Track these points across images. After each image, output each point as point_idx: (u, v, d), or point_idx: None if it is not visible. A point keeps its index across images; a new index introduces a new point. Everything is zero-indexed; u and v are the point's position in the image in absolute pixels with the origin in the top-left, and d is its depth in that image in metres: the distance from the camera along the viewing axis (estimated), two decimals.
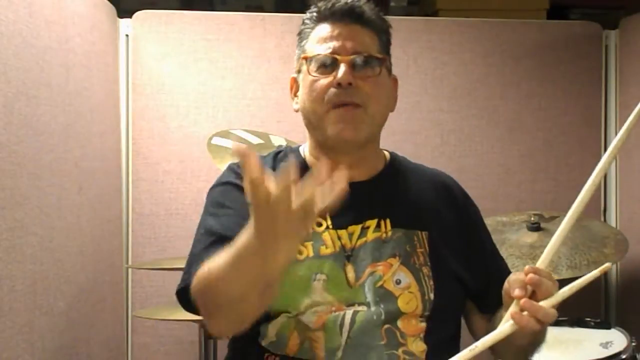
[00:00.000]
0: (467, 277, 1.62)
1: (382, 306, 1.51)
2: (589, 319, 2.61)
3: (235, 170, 1.67)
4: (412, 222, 1.60)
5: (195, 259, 1.50)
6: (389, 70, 1.66)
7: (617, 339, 2.43)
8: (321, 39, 1.59)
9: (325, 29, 1.60)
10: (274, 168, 1.65)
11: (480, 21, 3.22)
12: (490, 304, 1.66)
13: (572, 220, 1.44)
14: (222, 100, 3.08)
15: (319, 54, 1.58)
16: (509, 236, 2.71)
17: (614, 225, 3.11)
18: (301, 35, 1.66)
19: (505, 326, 1.36)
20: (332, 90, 1.54)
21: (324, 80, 1.56)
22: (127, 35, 3.05)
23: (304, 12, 1.67)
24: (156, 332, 3.01)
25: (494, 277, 1.65)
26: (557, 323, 2.61)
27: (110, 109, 2.90)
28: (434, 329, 1.52)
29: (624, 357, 2.30)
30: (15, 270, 1.89)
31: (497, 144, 3.18)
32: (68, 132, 2.31)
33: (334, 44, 1.57)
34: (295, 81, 1.69)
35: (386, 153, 1.74)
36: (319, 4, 1.63)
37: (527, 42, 3.20)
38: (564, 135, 3.20)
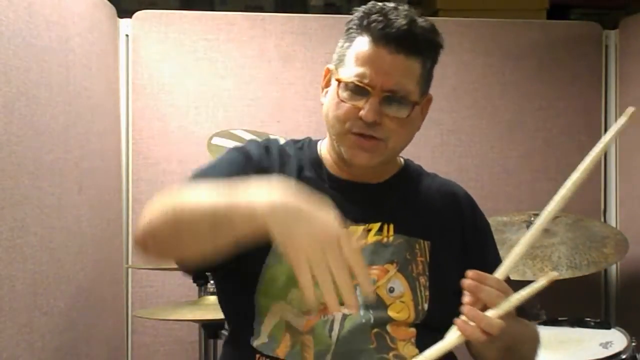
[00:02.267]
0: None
1: (371, 312, 1.48)
2: (589, 319, 2.61)
3: (260, 148, 1.61)
4: (415, 230, 1.57)
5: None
6: (425, 99, 1.61)
7: (617, 339, 2.43)
8: (362, 57, 1.49)
9: (370, 47, 1.49)
10: (294, 152, 1.62)
11: (480, 21, 3.22)
12: None
13: (537, 231, 1.40)
14: (222, 100, 3.08)
15: (351, 82, 1.48)
16: (509, 236, 2.71)
17: (614, 225, 3.12)
18: (348, 34, 1.55)
19: (452, 335, 1.31)
20: (357, 120, 1.48)
21: (350, 107, 1.49)
22: (127, 35, 3.05)
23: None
24: (156, 332, 3.01)
25: None
26: (557, 323, 2.62)
27: (111, 109, 2.90)
28: (425, 334, 1.49)
29: (624, 357, 2.30)
30: (15, 270, 1.89)
31: (497, 144, 3.18)
32: (68, 132, 2.31)
33: (371, 72, 1.47)
34: (328, 73, 1.60)
35: (401, 160, 1.71)
36: (376, 9, 1.51)
37: (527, 42, 3.20)
38: (563, 135, 3.20)
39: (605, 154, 3.18)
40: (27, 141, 1.97)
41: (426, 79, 1.58)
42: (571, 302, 2.99)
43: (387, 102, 1.48)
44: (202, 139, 2.71)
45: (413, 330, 1.49)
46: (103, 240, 2.70)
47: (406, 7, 1.54)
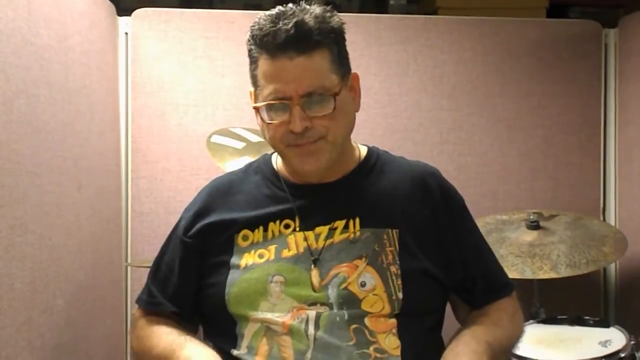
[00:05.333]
0: (441, 274, 1.59)
1: (344, 307, 1.49)
2: (588, 318, 2.61)
3: (191, 208, 1.72)
4: (382, 221, 1.58)
5: (149, 280, 1.74)
6: (347, 79, 1.58)
7: (616, 338, 2.43)
8: (268, 75, 1.51)
9: (270, 62, 1.50)
10: (248, 180, 1.70)
11: (479, 19, 3.22)
12: (474, 299, 1.66)
13: None
14: (221, 98, 3.08)
15: (267, 104, 1.51)
16: (508, 235, 2.72)
17: (613, 224, 3.12)
18: (250, 54, 1.56)
19: None
20: (288, 133, 1.51)
21: (278, 124, 1.52)
22: (126, 33, 3.05)
23: None
24: None
25: (477, 272, 1.65)
26: (556, 321, 2.62)
27: (110, 107, 2.90)
28: (407, 324, 1.51)
29: (622, 355, 2.30)
30: (15, 268, 1.89)
31: (497, 143, 3.18)
32: (67, 131, 2.31)
33: (281, 85, 1.49)
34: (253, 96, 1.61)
35: (363, 150, 1.71)
36: (260, 23, 1.52)
37: (527, 41, 3.20)
38: (563, 133, 3.20)
39: (604, 153, 3.19)
40: (26, 139, 1.97)
41: (340, 63, 1.55)
42: (570, 301, 2.99)
43: (308, 105, 1.49)
44: (202, 137, 2.71)
45: (393, 321, 1.50)
46: (102, 238, 2.70)
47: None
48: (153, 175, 3.06)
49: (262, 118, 1.54)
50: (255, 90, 1.56)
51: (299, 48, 1.47)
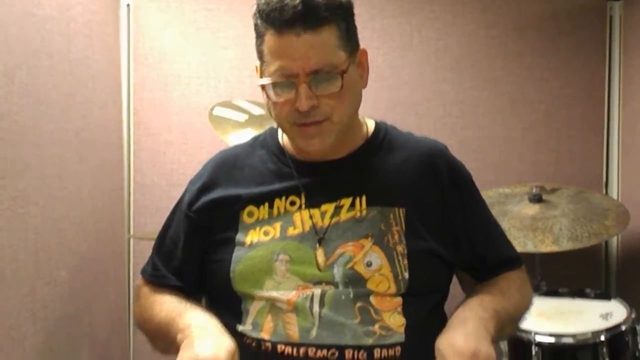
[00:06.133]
0: (448, 253, 1.57)
1: (350, 287, 1.48)
2: (589, 291, 2.62)
3: (201, 176, 1.70)
4: (389, 199, 1.55)
5: (154, 253, 1.71)
6: (356, 54, 1.54)
7: (617, 310, 2.44)
8: (274, 51, 1.46)
9: (277, 38, 1.45)
10: (254, 154, 1.67)
11: None
12: (482, 275, 1.65)
13: None
14: (223, 70, 3.07)
15: (273, 82, 1.47)
16: (510, 208, 2.72)
17: (615, 197, 3.11)
18: (256, 29, 1.51)
19: None
20: (294, 112, 1.48)
21: (284, 102, 1.48)
22: (128, 5, 3.03)
23: None
24: None
25: (485, 251, 1.64)
26: (557, 294, 2.63)
27: (111, 78, 2.89)
28: (412, 302, 1.49)
29: (623, 328, 2.31)
30: (17, 239, 1.89)
31: (499, 116, 3.17)
32: (69, 102, 2.31)
33: (288, 62, 1.45)
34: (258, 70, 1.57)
35: (370, 125, 1.68)
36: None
37: (531, 13, 3.18)
38: (566, 107, 3.19)
39: (607, 126, 3.18)
40: (27, 110, 1.97)
41: (348, 39, 1.51)
42: (571, 274, 3.00)
43: (315, 83, 1.46)
44: (204, 110, 2.70)
45: (399, 299, 1.49)
46: (105, 210, 2.71)
47: None
48: (155, 148, 3.06)
49: (267, 95, 1.50)
50: (262, 65, 1.52)
51: (306, 24, 1.42)
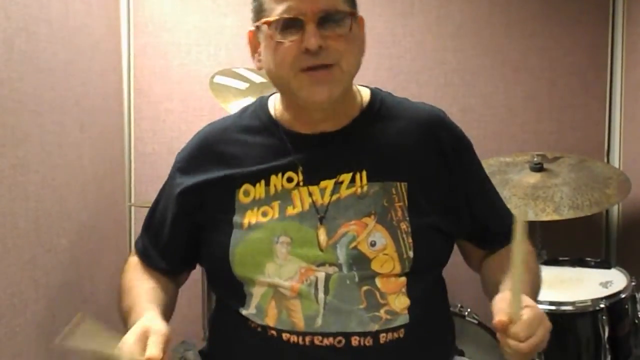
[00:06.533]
0: (451, 226, 1.54)
1: (354, 268, 1.44)
2: (589, 259, 2.63)
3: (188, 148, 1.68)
4: (390, 173, 1.51)
5: (144, 229, 1.72)
6: (357, 14, 1.50)
7: (617, 279, 2.45)
8: None
9: None
10: (244, 128, 1.61)
11: None
12: (488, 242, 1.64)
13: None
14: (224, 38, 3.05)
15: (280, 18, 1.41)
16: (511, 177, 2.72)
17: (617, 166, 3.11)
18: None
19: None
20: (301, 54, 1.41)
21: (290, 44, 1.42)
22: None
23: None
24: None
25: (487, 220, 1.62)
26: (557, 262, 2.64)
27: (111, 46, 2.87)
28: (416, 280, 1.47)
29: (623, 296, 2.33)
30: (18, 207, 1.89)
31: (501, 84, 3.16)
32: (68, 70, 2.29)
33: (295, 3, 1.40)
34: (254, 36, 1.53)
35: (365, 94, 1.62)
36: None
37: None
38: (568, 75, 3.17)
39: (610, 95, 3.16)
40: (27, 78, 1.96)
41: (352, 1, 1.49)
42: (572, 242, 3.00)
43: (323, 24, 1.41)
44: (204, 78, 2.69)
45: (403, 279, 1.46)
46: (105, 178, 2.71)
47: None
48: (156, 116, 3.05)
49: (271, 38, 1.43)
50: (259, 20, 1.46)
51: None
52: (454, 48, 3.14)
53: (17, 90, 1.89)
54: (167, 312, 1.55)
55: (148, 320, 1.35)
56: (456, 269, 1.71)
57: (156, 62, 3.04)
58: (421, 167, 1.54)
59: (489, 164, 2.80)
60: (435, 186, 1.54)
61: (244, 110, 1.66)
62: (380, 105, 1.60)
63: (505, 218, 1.65)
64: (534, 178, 2.68)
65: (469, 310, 2.50)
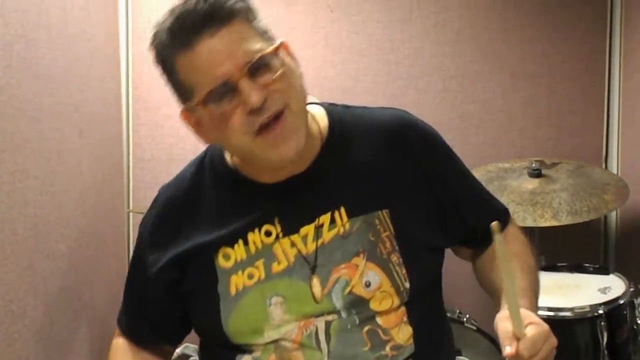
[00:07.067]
0: (441, 240, 1.50)
1: (354, 311, 1.38)
2: (587, 265, 2.63)
3: (151, 212, 1.55)
4: (369, 203, 1.42)
5: (124, 303, 1.59)
6: (279, 44, 1.35)
7: (615, 285, 2.45)
8: (196, 69, 1.29)
9: (192, 56, 1.28)
10: (204, 186, 1.48)
11: None
12: (479, 242, 1.60)
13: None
14: None
15: (211, 90, 1.28)
16: (510, 182, 2.72)
17: (615, 171, 3.11)
18: (166, 65, 1.35)
19: None
20: (248, 117, 1.28)
21: (233, 110, 1.28)
22: None
23: None
24: None
25: (476, 215, 1.56)
26: (556, 268, 2.64)
27: (110, 52, 2.88)
28: (415, 307, 1.42)
29: (621, 302, 2.32)
30: (17, 214, 1.89)
31: (500, 90, 3.16)
32: (67, 76, 2.30)
33: (217, 69, 1.27)
34: (188, 116, 1.38)
35: (321, 117, 1.49)
36: (162, 26, 1.32)
37: None
38: (567, 81, 3.18)
39: (608, 101, 3.17)
40: (26, 84, 1.96)
41: (262, 29, 1.35)
42: (570, 248, 3.00)
43: (254, 73, 1.28)
44: None
45: (402, 309, 1.41)
46: (104, 184, 2.71)
47: None
48: (154, 122, 3.06)
49: (213, 113, 1.30)
50: (189, 99, 1.33)
51: (215, 22, 1.27)
52: (452, 54, 3.14)
53: (15, 96, 1.89)
54: None
55: None
56: (454, 276, 1.70)
57: (154, 69, 3.03)
58: (399, 187, 1.46)
59: (488, 170, 2.80)
60: (418, 203, 1.47)
61: (200, 163, 1.52)
62: (341, 127, 1.48)
63: (493, 209, 1.61)
64: (533, 184, 2.69)
65: (467, 316, 2.50)
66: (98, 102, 2.65)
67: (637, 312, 2.36)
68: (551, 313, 2.30)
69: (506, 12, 3.14)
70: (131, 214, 3.04)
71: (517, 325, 1.25)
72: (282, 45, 1.36)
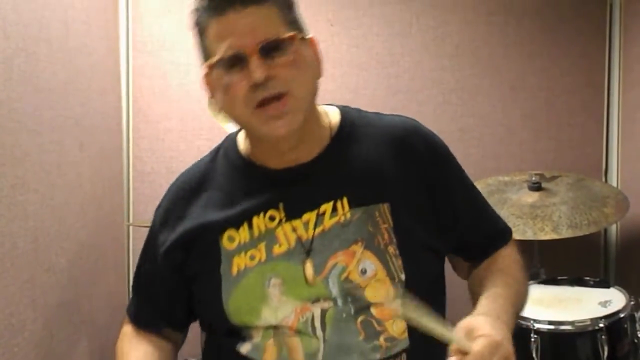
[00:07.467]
0: (438, 243, 1.52)
1: (349, 300, 1.41)
2: (588, 278, 2.63)
3: (162, 204, 1.63)
4: (371, 196, 1.47)
5: (134, 292, 1.66)
6: (304, 36, 1.45)
7: (615, 298, 2.44)
8: (219, 36, 1.39)
9: (219, 22, 1.39)
10: (218, 172, 1.57)
11: None
12: (473, 255, 1.62)
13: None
14: None
15: (222, 57, 1.38)
16: (510, 196, 2.72)
17: (615, 185, 3.12)
18: (199, 29, 1.45)
19: None
20: (251, 90, 1.36)
21: (238, 81, 1.37)
22: None
23: None
24: None
25: (472, 231, 1.59)
26: (556, 282, 2.64)
27: (111, 66, 2.88)
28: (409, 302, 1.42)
29: (622, 315, 2.32)
30: (17, 227, 1.89)
31: (499, 104, 3.17)
32: (68, 89, 2.30)
33: (235, 39, 1.37)
34: (206, 81, 1.49)
35: (334, 115, 1.57)
36: None
37: (531, 1, 3.17)
38: (566, 95, 3.19)
39: (607, 114, 3.18)
40: (26, 98, 1.96)
41: (293, 19, 1.44)
42: (571, 261, 3.00)
43: (267, 54, 1.36)
44: (203, 97, 2.66)
45: (397, 303, 1.43)
46: (104, 197, 2.71)
47: None
48: (154, 135, 3.06)
49: (220, 79, 1.41)
50: (205, 65, 1.45)
51: (246, 0, 1.37)
52: (452, 68, 3.15)
53: (16, 109, 1.89)
54: None
55: None
56: (453, 287, 1.70)
57: (155, 82, 3.05)
58: (402, 186, 1.49)
59: (488, 183, 2.80)
60: (418, 201, 1.50)
61: (215, 152, 1.62)
62: (351, 127, 1.55)
63: (492, 228, 1.63)
64: (532, 197, 2.69)
65: None
66: (98, 116, 2.65)
67: (637, 326, 2.35)
68: (552, 327, 2.30)
69: (506, 27, 3.15)
70: (131, 227, 3.04)
71: (459, 340, 1.25)
72: (310, 40, 1.46)
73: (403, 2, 3.12)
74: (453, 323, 2.08)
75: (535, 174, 2.76)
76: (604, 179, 3.16)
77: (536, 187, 2.72)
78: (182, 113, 3.05)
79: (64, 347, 2.22)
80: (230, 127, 2.38)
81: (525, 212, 2.60)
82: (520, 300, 1.53)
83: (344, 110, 1.59)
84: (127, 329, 1.62)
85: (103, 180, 2.70)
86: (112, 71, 2.91)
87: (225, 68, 1.39)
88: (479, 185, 1.72)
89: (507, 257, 1.61)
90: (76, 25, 2.39)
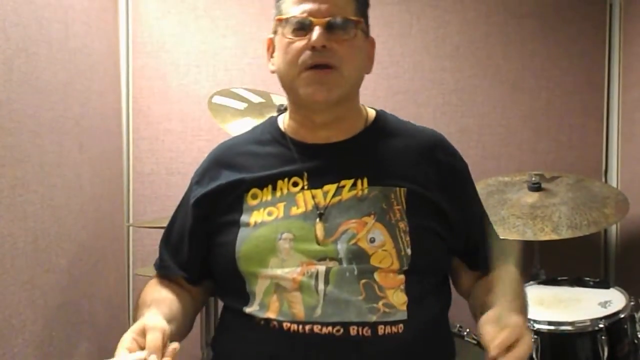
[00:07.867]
0: (448, 234, 1.60)
1: (354, 262, 1.50)
2: (588, 279, 2.62)
3: (204, 166, 1.73)
4: (390, 180, 1.58)
5: (162, 245, 1.74)
6: (366, 33, 1.64)
7: (615, 298, 2.44)
8: (296, 0, 1.57)
9: None
10: (254, 141, 1.71)
11: None
12: (479, 263, 1.66)
13: None
14: (223, 58, 3.06)
15: (293, 16, 1.55)
16: (509, 196, 2.71)
17: (615, 185, 3.11)
18: None
19: None
20: (307, 52, 1.53)
21: (299, 43, 1.54)
22: None
23: None
24: None
25: (478, 241, 1.65)
26: (556, 282, 2.63)
27: (111, 67, 2.89)
28: (414, 281, 1.51)
29: (622, 316, 2.32)
30: (17, 228, 1.89)
31: (499, 104, 3.17)
32: (68, 90, 2.30)
33: (309, 6, 1.54)
34: (271, 42, 1.66)
35: (371, 112, 1.72)
36: None
37: (531, 1, 3.17)
38: (566, 95, 3.18)
39: (607, 115, 3.18)
40: (26, 99, 1.97)
41: (363, 13, 1.63)
42: (570, 262, 3.00)
43: (331, 29, 1.53)
44: (203, 98, 2.70)
45: (402, 277, 1.50)
46: (104, 198, 2.71)
47: None
48: (154, 136, 3.06)
49: (283, 36, 1.57)
50: (278, 27, 1.59)
51: None
52: (452, 68, 3.15)
53: (16, 110, 1.89)
54: (182, 320, 1.58)
55: (146, 318, 1.38)
56: (455, 290, 1.71)
57: (155, 83, 3.05)
58: (420, 179, 1.59)
59: (487, 184, 2.80)
60: (433, 197, 1.59)
61: (255, 127, 1.77)
62: (384, 124, 1.70)
63: (489, 256, 1.67)
64: (532, 198, 2.68)
65: (468, 330, 2.49)
66: (98, 117, 2.65)
67: (637, 326, 2.35)
68: (552, 327, 2.30)
69: (506, 27, 3.15)
70: (131, 228, 3.04)
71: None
72: (371, 39, 1.66)
73: (403, 2, 3.12)
74: (459, 326, 2.08)
75: (535, 175, 2.76)
76: (603, 180, 3.16)
77: (536, 187, 2.72)
78: (182, 114, 3.05)
79: (63, 347, 2.23)
80: (231, 129, 2.39)
81: (525, 212, 2.60)
82: (525, 312, 1.58)
83: (381, 111, 1.74)
84: (152, 280, 1.71)
85: (103, 181, 2.70)
86: (112, 72, 2.91)
87: (291, 29, 1.55)
88: (479, 186, 1.75)
89: (512, 273, 1.65)
90: (76, 26, 2.39)
